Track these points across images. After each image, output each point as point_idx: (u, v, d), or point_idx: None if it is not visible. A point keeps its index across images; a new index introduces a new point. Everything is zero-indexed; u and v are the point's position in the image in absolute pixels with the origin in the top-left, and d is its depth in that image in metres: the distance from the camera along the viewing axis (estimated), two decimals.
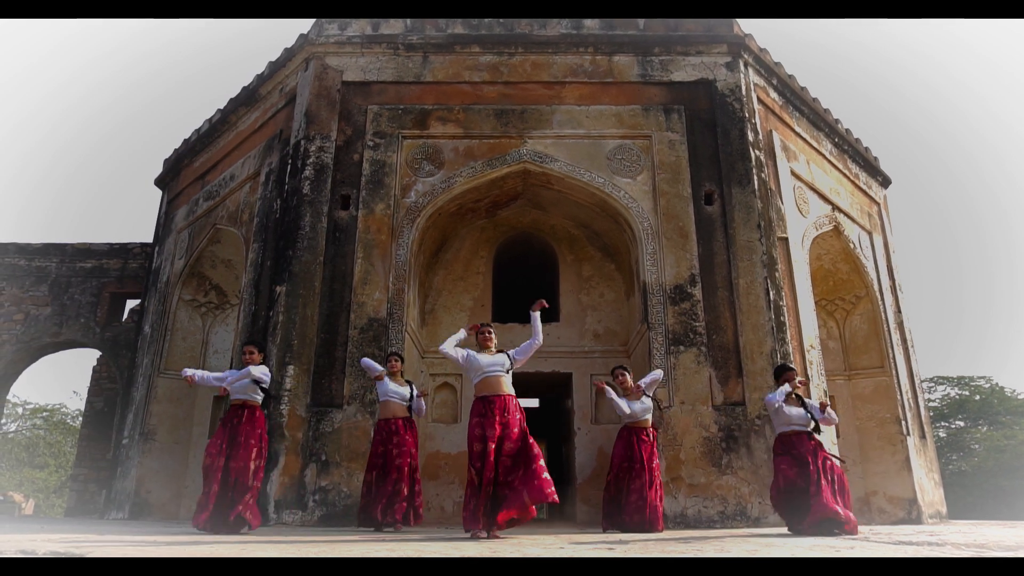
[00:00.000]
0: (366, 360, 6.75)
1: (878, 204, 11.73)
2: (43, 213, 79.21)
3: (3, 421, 21.46)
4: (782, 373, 6.16)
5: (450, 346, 5.07)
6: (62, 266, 12.80)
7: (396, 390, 6.46)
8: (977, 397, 23.48)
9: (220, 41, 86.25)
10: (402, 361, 6.76)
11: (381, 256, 8.20)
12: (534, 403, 13.43)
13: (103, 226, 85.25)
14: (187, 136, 11.87)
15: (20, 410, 24.25)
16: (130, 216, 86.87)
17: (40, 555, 2.84)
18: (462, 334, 5.23)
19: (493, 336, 5.21)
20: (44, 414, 24.82)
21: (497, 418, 4.69)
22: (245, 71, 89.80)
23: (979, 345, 64.99)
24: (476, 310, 9.91)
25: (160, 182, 12.44)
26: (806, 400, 6.18)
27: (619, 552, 3.26)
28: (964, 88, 79.02)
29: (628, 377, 6.78)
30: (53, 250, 12.92)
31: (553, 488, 4.50)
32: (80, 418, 17.69)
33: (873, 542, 3.94)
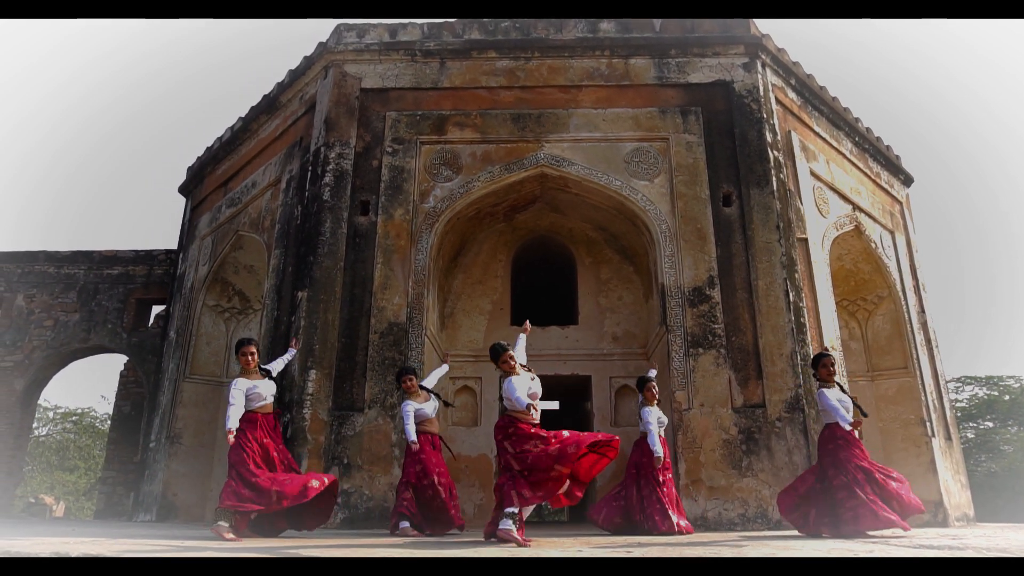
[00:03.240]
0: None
1: (900, 203, 11.58)
2: (43, 213, 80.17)
3: (35, 425, 21.91)
4: (817, 364, 5.89)
5: (523, 394, 4.61)
6: (90, 273, 13.07)
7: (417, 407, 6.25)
8: (1007, 397, 22.97)
9: (221, 40, 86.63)
10: (416, 376, 6.46)
11: (400, 261, 8.29)
12: (554, 405, 13.46)
13: (104, 225, 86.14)
14: (209, 144, 12.08)
15: (51, 414, 24.71)
16: (131, 216, 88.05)
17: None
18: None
19: (513, 362, 4.82)
20: (74, 418, 25.23)
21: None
22: (248, 69, 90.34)
23: (978, 344, 63.65)
24: (495, 313, 9.97)
25: (184, 189, 12.67)
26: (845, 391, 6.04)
27: (637, 553, 3.29)
28: (967, 90, 77.89)
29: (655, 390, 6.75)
30: (81, 257, 13.20)
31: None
32: (108, 422, 18.03)
33: (893, 546, 3.92)
